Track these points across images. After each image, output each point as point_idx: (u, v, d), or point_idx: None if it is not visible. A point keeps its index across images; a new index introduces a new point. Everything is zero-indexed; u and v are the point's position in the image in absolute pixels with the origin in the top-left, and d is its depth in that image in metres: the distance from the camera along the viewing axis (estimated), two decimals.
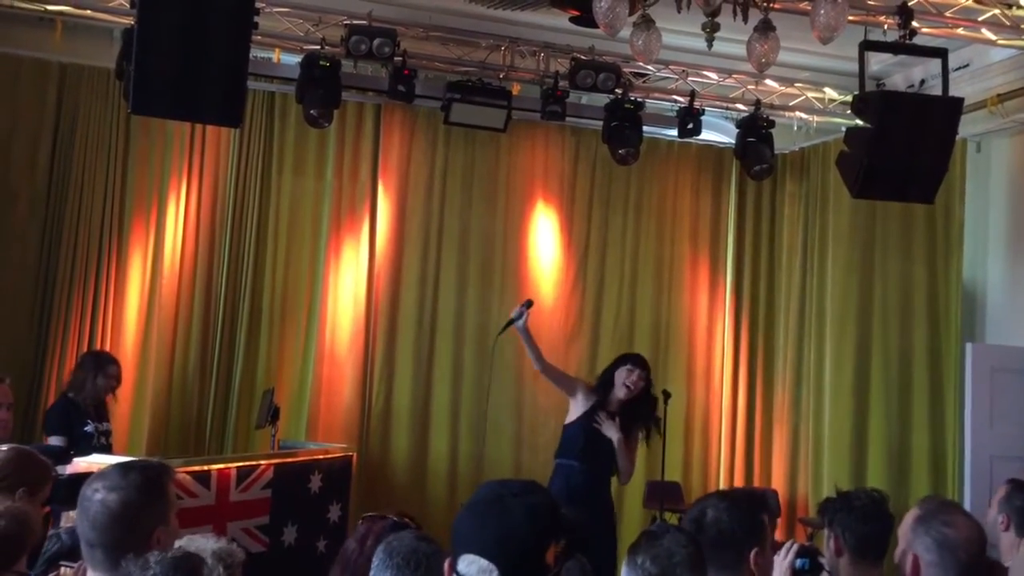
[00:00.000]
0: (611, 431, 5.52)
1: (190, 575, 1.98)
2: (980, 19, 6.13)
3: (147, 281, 6.99)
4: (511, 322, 5.67)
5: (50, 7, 6.43)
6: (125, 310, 6.92)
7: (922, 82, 7.28)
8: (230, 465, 5.19)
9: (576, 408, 5.68)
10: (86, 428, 5.53)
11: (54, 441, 5.39)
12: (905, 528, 2.72)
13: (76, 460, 4.64)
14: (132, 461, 2.47)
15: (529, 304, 5.73)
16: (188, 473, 4.86)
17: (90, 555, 2.32)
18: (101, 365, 5.72)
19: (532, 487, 1.97)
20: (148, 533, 2.28)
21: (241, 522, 5.13)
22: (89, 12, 6.48)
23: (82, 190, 6.84)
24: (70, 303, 6.74)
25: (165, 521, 2.34)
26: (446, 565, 1.91)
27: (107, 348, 6.64)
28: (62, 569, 2.58)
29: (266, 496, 5.30)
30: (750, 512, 2.72)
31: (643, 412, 5.67)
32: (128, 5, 6.17)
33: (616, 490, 7.37)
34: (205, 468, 5.02)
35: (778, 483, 7.81)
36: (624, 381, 5.55)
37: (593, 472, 5.53)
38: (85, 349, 6.55)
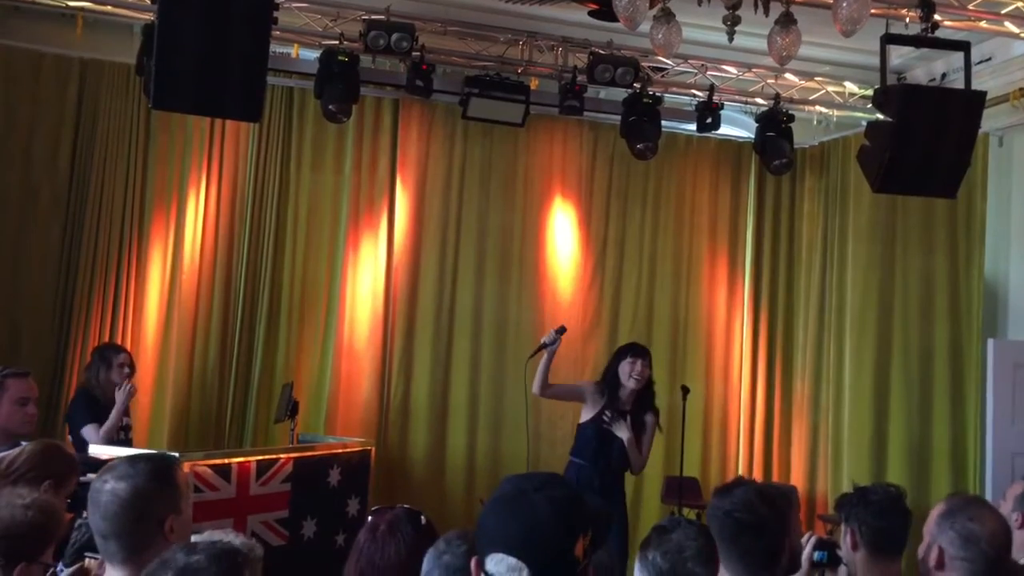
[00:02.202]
0: (622, 431, 5.57)
1: (234, 569, 1.98)
2: (1003, 12, 6.07)
3: (167, 276, 7.02)
4: (543, 346, 5.65)
5: (71, 3, 6.49)
6: (145, 305, 6.96)
7: (944, 76, 7.22)
8: (250, 459, 5.22)
9: (588, 408, 5.76)
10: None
11: (89, 430, 5.42)
12: (930, 523, 2.73)
13: (97, 452, 4.68)
14: (140, 453, 2.49)
15: (562, 330, 5.72)
16: (209, 466, 4.89)
17: (104, 548, 2.34)
18: (105, 357, 5.74)
19: (554, 480, 1.94)
20: (160, 521, 2.31)
21: (261, 515, 5.16)
22: (110, 8, 6.54)
23: (103, 185, 6.88)
24: (91, 298, 6.78)
25: (176, 509, 2.36)
26: (473, 564, 1.89)
27: (127, 342, 6.69)
28: (87, 560, 2.61)
29: (286, 490, 5.33)
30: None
31: (648, 401, 5.73)
32: (148, 1, 6.20)
33: (634, 486, 7.42)
34: (226, 461, 5.05)
35: (797, 479, 7.77)
36: (631, 374, 5.61)
37: (604, 472, 5.60)
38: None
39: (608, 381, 5.70)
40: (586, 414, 5.76)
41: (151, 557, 2.13)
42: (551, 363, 5.67)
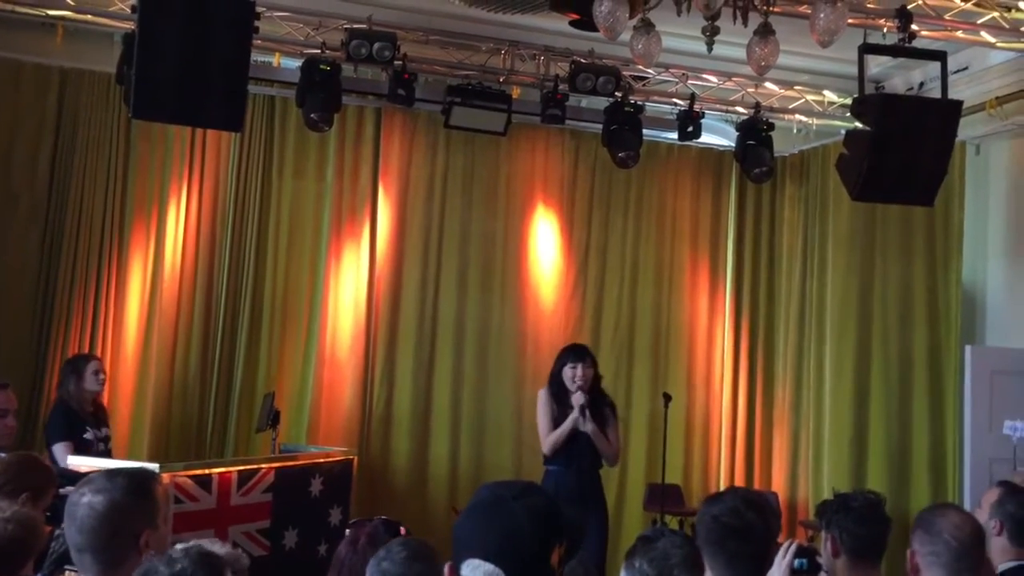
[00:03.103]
0: (584, 425, 5.53)
1: (215, 571, 1.99)
2: (979, 22, 6.14)
3: (148, 285, 6.99)
4: (578, 425, 5.51)
5: (51, 12, 6.46)
6: (126, 315, 6.92)
7: (921, 85, 7.29)
8: (231, 469, 5.19)
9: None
10: (85, 436, 5.51)
11: (59, 449, 5.37)
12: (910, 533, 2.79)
13: (76, 464, 4.65)
14: (118, 467, 2.48)
15: (582, 405, 5.53)
16: (189, 477, 4.86)
17: (80, 561, 2.33)
18: (76, 367, 5.68)
19: (532, 489, 1.96)
20: (136, 535, 2.29)
21: (242, 526, 5.13)
22: (90, 17, 6.51)
23: (83, 194, 6.85)
24: (71, 308, 6.74)
25: (153, 524, 2.34)
26: (447, 569, 1.90)
27: (107, 352, 6.68)
28: (66, 574, 2.59)
29: (267, 500, 5.30)
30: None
31: (601, 398, 5.69)
32: (129, 10, 6.19)
33: (616, 493, 7.44)
34: (206, 472, 5.02)
35: (778, 486, 7.81)
36: (573, 379, 5.58)
37: (579, 471, 5.55)
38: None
39: (555, 387, 5.66)
40: None
41: (126, 572, 2.12)
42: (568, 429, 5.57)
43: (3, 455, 3.40)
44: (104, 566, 2.24)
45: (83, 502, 2.30)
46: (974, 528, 2.79)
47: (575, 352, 5.74)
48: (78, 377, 5.61)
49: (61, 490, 3.32)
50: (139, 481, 2.38)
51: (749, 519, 2.66)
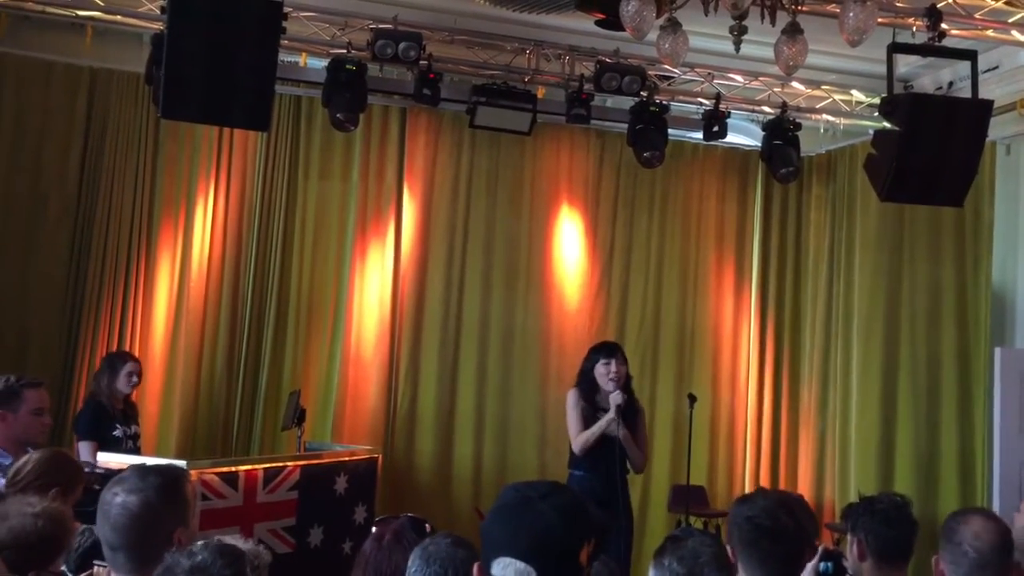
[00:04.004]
0: (618, 431, 5.41)
1: (235, 560, 2.01)
2: (1010, 21, 6.07)
3: (175, 284, 7.05)
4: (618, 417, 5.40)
5: (80, 12, 6.52)
6: (153, 313, 6.99)
7: (950, 84, 7.22)
8: (257, 466, 5.21)
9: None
10: (114, 432, 5.56)
11: (83, 447, 5.43)
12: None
13: (105, 461, 4.70)
14: (149, 465, 2.51)
15: (619, 405, 5.38)
16: (216, 474, 4.89)
17: (112, 559, 2.36)
18: (113, 365, 5.74)
19: (557, 488, 1.96)
20: (168, 534, 2.33)
21: (268, 523, 5.16)
22: (119, 17, 6.57)
23: (111, 194, 6.92)
24: (99, 306, 6.81)
25: (184, 522, 2.38)
26: (475, 569, 1.91)
27: (135, 351, 6.70)
28: (96, 568, 2.62)
29: (293, 497, 5.33)
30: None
31: (632, 397, 5.54)
32: (158, 11, 6.24)
33: (640, 494, 7.42)
34: (233, 469, 5.05)
35: (804, 488, 7.75)
36: (608, 376, 5.42)
37: (606, 476, 5.41)
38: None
39: (585, 386, 5.52)
40: None
41: None
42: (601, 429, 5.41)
43: (31, 451, 3.44)
44: (138, 564, 2.26)
45: (116, 502, 2.32)
46: (998, 535, 2.75)
47: (606, 349, 5.60)
48: (112, 375, 5.67)
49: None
50: (171, 480, 2.41)
51: (782, 521, 2.66)
